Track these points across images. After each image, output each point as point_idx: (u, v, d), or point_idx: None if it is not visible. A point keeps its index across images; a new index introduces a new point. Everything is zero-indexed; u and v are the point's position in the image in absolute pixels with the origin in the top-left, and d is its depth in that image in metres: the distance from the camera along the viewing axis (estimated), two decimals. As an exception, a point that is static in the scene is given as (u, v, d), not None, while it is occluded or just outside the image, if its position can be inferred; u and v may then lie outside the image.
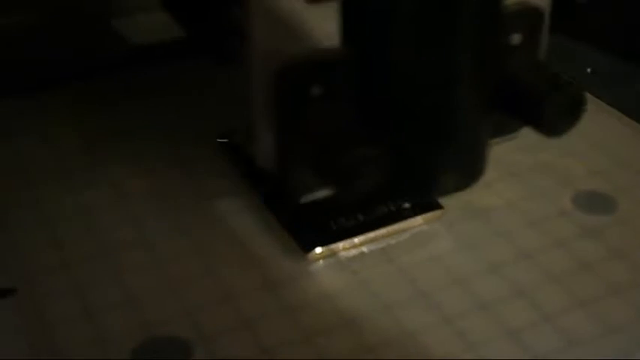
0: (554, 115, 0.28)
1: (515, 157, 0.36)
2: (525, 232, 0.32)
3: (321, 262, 0.31)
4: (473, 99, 0.28)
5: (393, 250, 0.31)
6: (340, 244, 0.31)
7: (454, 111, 0.28)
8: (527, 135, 0.36)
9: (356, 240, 0.31)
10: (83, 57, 0.42)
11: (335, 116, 0.28)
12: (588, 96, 0.39)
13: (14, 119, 0.38)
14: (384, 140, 0.27)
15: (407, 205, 0.33)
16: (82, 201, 0.33)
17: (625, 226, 0.32)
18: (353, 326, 0.28)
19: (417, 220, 0.32)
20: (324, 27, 0.28)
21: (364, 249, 0.31)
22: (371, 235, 0.32)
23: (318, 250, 0.31)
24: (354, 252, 0.31)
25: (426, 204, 0.33)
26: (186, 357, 0.27)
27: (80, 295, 0.29)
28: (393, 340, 0.28)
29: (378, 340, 0.28)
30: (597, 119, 0.38)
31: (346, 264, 0.31)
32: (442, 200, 0.33)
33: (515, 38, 0.29)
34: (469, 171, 0.30)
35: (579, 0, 0.48)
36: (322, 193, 0.30)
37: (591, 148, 0.36)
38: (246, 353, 0.27)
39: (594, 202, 0.34)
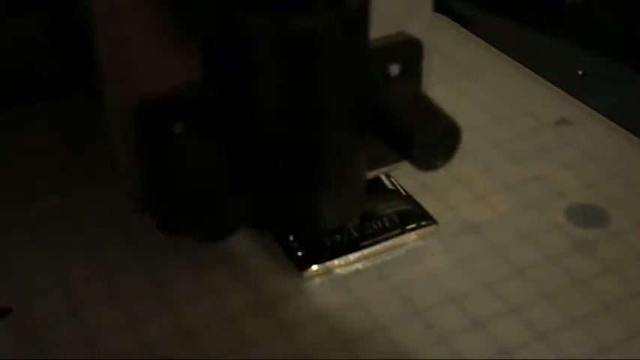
0: (424, 148, 0.27)
1: (508, 169, 0.36)
2: (519, 246, 0.32)
3: (316, 279, 0.31)
4: (344, 136, 0.27)
5: (387, 267, 0.31)
6: (335, 262, 0.31)
7: (323, 150, 0.27)
8: (520, 148, 0.37)
9: (351, 257, 0.31)
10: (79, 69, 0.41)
11: (199, 154, 0.27)
12: (580, 105, 0.40)
13: (10, 134, 0.38)
14: (250, 179, 0.26)
15: (398, 220, 0.33)
16: (78, 221, 0.33)
17: (618, 239, 0.33)
18: (348, 345, 0.29)
19: (412, 236, 0.32)
20: (184, 62, 0.26)
21: (359, 266, 0.31)
22: (365, 252, 0.32)
23: (314, 267, 0.31)
24: (349, 269, 0.31)
25: (420, 219, 0.33)
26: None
27: (77, 317, 0.29)
28: (388, 359, 0.28)
29: (374, 358, 0.28)
30: (590, 130, 0.38)
31: (341, 281, 0.31)
32: (436, 215, 0.33)
33: (394, 69, 0.29)
34: (347, 203, 0.29)
35: (569, 0, 0.48)
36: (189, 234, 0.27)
37: (584, 160, 0.36)
38: (242, 374, 0.28)
39: (587, 215, 0.34)
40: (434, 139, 0.27)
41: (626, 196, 0.35)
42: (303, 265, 0.31)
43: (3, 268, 0.31)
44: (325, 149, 0.27)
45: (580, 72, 0.43)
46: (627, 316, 0.29)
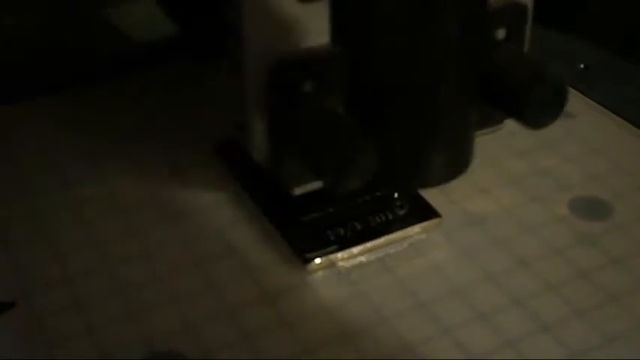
0: (536, 107, 0.29)
1: (512, 162, 0.36)
2: (523, 239, 0.32)
3: (320, 272, 0.31)
4: (458, 91, 0.29)
5: (391, 260, 0.31)
6: (339, 255, 0.31)
7: (440, 103, 0.29)
8: (523, 140, 0.37)
9: (354, 250, 0.31)
10: (80, 61, 0.42)
11: (325, 111, 0.29)
12: (582, 98, 0.40)
13: (11, 127, 0.38)
14: (372, 133, 0.27)
15: (402, 211, 0.33)
16: (81, 213, 0.33)
17: (621, 232, 0.33)
18: (352, 338, 0.28)
19: (415, 229, 0.32)
20: (316, 25, 0.28)
21: (363, 259, 0.31)
22: (369, 244, 0.32)
23: (317, 260, 0.31)
24: (352, 262, 0.31)
25: (423, 212, 0.33)
26: (188, 372, 0.27)
27: (80, 310, 0.29)
28: (392, 353, 0.28)
29: (378, 352, 0.28)
30: (592, 123, 0.38)
31: (345, 274, 0.31)
32: (440, 208, 0.33)
33: (500, 33, 0.30)
34: (455, 162, 0.31)
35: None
36: (314, 185, 0.30)
37: (587, 153, 0.36)
38: (246, 367, 0.28)
39: (591, 208, 0.34)
40: (544, 99, 0.29)
41: (629, 188, 0.35)
42: (307, 258, 0.31)
43: (5, 261, 0.31)
44: (440, 106, 0.29)
45: (582, 65, 0.43)
46: (631, 307, 0.29)
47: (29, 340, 0.29)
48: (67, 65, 0.41)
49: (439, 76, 0.29)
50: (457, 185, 0.34)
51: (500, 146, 0.37)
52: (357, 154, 0.27)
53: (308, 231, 0.32)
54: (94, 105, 0.39)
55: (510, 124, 0.36)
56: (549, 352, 0.28)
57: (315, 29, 0.28)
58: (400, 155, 0.30)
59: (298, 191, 0.30)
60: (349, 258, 0.31)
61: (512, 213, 0.33)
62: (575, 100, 0.39)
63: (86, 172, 0.35)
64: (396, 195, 0.33)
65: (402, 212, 0.33)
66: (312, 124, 0.28)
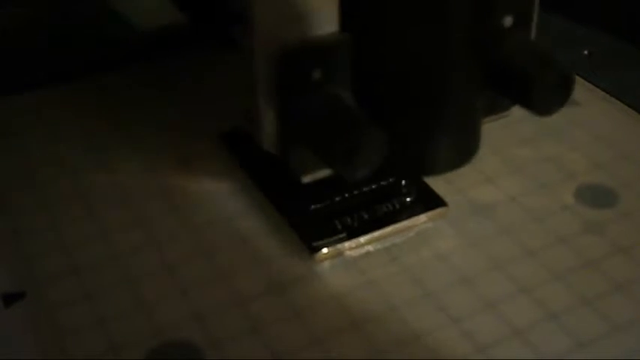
0: (544, 94, 0.29)
1: (517, 151, 0.36)
2: (529, 228, 0.32)
3: (327, 262, 0.31)
4: (466, 78, 0.29)
5: (398, 249, 0.32)
6: (346, 244, 0.31)
7: (448, 90, 0.29)
8: (529, 128, 0.37)
9: (362, 239, 0.32)
10: (85, 50, 0.42)
11: (333, 100, 0.29)
12: (588, 85, 0.40)
13: (17, 117, 0.38)
14: (380, 121, 0.28)
15: (409, 199, 0.33)
16: (89, 203, 0.33)
17: (628, 220, 0.33)
18: (361, 328, 0.29)
19: (422, 218, 0.32)
20: (325, 12, 0.28)
21: (370, 248, 0.32)
22: (376, 234, 0.32)
23: (325, 250, 0.31)
24: (360, 251, 0.31)
25: (430, 201, 0.33)
26: (197, 362, 0.28)
27: (90, 300, 0.30)
28: (400, 341, 0.28)
29: (386, 341, 0.28)
30: (598, 110, 0.38)
31: (353, 264, 0.31)
32: (446, 197, 0.33)
33: (508, 20, 0.30)
34: (463, 149, 0.31)
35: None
36: (323, 173, 0.30)
37: (593, 141, 0.36)
38: (256, 357, 0.28)
39: (597, 196, 0.34)
40: (552, 85, 0.29)
41: (635, 176, 0.35)
42: (314, 247, 0.31)
43: (15, 252, 0.32)
44: (448, 93, 0.29)
45: (586, 52, 0.43)
46: (638, 295, 0.30)
47: (39, 330, 0.29)
48: (73, 54, 0.41)
49: (447, 62, 0.29)
50: (463, 174, 0.34)
51: (506, 134, 0.37)
52: (363, 143, 0.27)
53: (315, 220, 0.32)
54: (102, 94, 0.39)
55: (516, 112, 0.36)
56: (556, 340, 0.28)
57: (324, 17, 0.28)
58: (408, 143, 0.30)
59: (307, 179, 0.31)
60: (356, 247, 0.31)
61: (518, 201, 0.34)
62: (580, 88, 0.39)
63: (95, 163, 0.35)
64: (403, 182, 0.33)
65: (409, 200, 0.33)
66: (319, 113, 0.29)
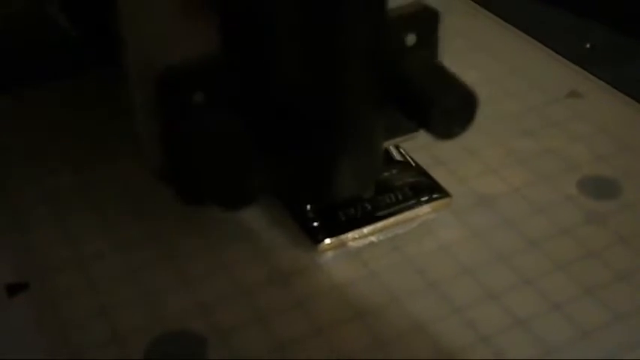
0: (443, 117, 0.28)
1: (520, 143, 0.36)
2: (532, 219, 0.32)
3: (330, 253, 0.31)
4: (363, 99, 0.28)
5: (401, 240, 0.32)
6: (349, 235, 0.31)
7: (343, 111, 0.28)
8: (531, 120, 0.37)
9: (365, 230, 0.32)
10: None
11: (218, 124, 0.27)
12: (590, 77, 0.40)
13: (22, 113, 0.38)
14: (271, 146, 0.27)
15: (411, 193, 0.33)
16: (92, 196, 0.33)
17: (630, 210, 0.33)
18: (364, 318, 0.29)
19: (425, 209, 0.33)
20: (206, 34, 0.27)
21: (373, 239, 0.32)
22: (379, 224, 0.32)
23: (328, 241, 0.31)
24: (363, 242, 0.31)
25: (433, 192, 0.33)
26: (201, 351, 0.28)
27: (93, 291, 0.30)
28: (403, 332, 0.28)
29: (389, 331, 0.28)
30: (600, 102, 0.38)
31: (356, 254, 0.31)
32: (449, 188, 0.33)
33: (410, 39, 0.29)
34: (363, 172, 0.30)
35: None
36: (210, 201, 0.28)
37: (595, 133, 0.36)
38: (259, 347, 0.28)
39: (599, 187, 0.34)
40: (452, 108, 0.28)
41: (638, 167, 0.35)
42: (318, 238, 0.31)
43: (19, 243, 0.32)
44: (343, 115, 0.27)
45: (588, 45, 0.43)
46: (641, 285, 0.30)
47: (43, 321, 0.29)
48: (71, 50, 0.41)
49: (339, 82, 0.27)
50: (465, 165, 0.34)
51: (508, 126, 0.37)
52: (242, 176, 0.26)
53: (318, 211, 0.32)
54: (103, 89, 0.39)
55: (514, 107, 0.36)
56: (559, 330, 0.28)
57: (203, 38, 0.27)
58: (302, 168, 0.29)
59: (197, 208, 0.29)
60: (360, 238, 0.31)
61: (521, 193, 0.34)
62: (582, 80, 0.40)
63: (96, 156, 0.35)
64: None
65: (412, 192, 0.33)
66: (201, 139, 0.27)
